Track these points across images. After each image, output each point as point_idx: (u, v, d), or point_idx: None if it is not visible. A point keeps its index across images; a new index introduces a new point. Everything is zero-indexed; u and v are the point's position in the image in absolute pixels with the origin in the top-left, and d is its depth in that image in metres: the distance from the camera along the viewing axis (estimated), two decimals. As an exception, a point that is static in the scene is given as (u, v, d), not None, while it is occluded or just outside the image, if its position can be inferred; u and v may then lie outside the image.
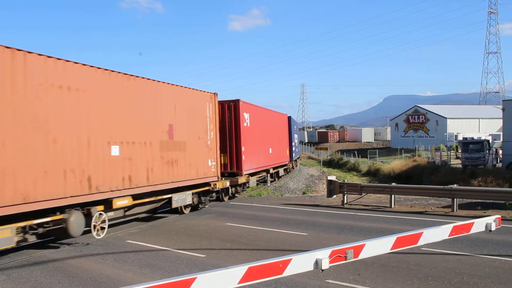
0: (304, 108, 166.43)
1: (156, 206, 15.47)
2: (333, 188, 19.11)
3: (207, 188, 17.47)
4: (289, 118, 35.12)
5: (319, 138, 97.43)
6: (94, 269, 9.34)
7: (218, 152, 18.07)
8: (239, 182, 20.60)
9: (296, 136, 40.99)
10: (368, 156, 48.20)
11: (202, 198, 17.58)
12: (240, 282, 3.76)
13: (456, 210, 16.02)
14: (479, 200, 17.41)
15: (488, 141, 33.18)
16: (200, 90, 17.20)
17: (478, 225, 5.52)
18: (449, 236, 5.26)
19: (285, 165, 33.17)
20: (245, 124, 20.57)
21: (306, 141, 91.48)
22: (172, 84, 15.36)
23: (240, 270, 3.79)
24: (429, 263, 9.09)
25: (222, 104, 19.58)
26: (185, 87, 16.20)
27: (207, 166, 17.11)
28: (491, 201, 17.23)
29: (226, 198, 20.54)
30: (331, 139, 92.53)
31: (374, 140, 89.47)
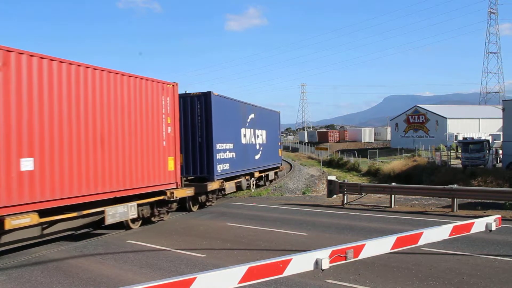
0: (304, 108, 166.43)
1: None
2: (333, 188, 19.12)
3: None
4: (206, 95, 17.64)
5: (319, 138, 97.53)
6: (94, 269, 9.34)
7: None
8: None
9: (261, 132, 25.04)
10: (368, 156, 48.17)
11: None
12: (240, 282, 3.77)
13: (456, 210, 16.02)
14: (479, 200, 17.40)
15: (488, 141, 33.16)
16: None
17: (478, 225, 5.52)
18: (449, 236, 5.26)
19: (153, 194, 13.75)
20: None
21: (306, 141, 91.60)
22: None
23: (240, 270, 3.79)
24: (429, 263, 9.09)
25: None
26: None
27: None
28: (491, 201, 17.21)
29: None
30: (331, 139, 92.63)
31: (374, 140, 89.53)
